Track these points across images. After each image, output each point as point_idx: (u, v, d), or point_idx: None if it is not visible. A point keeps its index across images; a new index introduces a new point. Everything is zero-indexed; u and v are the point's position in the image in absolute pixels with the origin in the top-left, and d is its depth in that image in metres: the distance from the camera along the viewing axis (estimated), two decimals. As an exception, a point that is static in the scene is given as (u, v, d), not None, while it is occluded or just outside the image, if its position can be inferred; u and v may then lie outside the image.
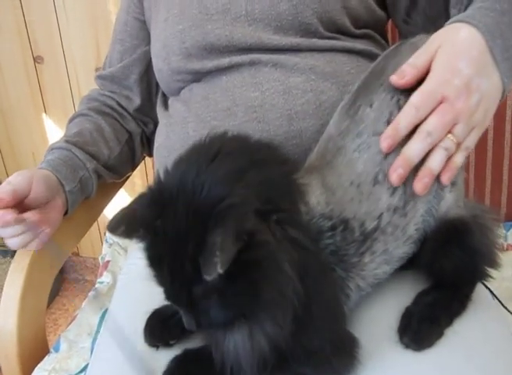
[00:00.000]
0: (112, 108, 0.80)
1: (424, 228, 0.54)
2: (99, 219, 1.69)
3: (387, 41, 0.77)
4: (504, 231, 0.98)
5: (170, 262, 0.42)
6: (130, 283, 0.66)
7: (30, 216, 0.59)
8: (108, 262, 0.86)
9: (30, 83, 1.42)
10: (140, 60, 0.79)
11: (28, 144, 1.50)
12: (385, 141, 0.50)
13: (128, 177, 0.92)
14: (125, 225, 0.43)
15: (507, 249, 0.97)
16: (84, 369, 0.65)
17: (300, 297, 0.44)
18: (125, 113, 0.81)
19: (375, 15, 0.71)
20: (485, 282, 0.61)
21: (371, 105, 0.52)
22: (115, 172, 0.79)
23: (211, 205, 0.41)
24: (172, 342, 0.52)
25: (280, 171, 0.48)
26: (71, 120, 0.79)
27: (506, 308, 0.68)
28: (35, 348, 0.68)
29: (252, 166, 0.45)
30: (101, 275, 0.84)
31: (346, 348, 0.49)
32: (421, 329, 0.52)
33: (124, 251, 0.88)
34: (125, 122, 0.80)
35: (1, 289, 1.57)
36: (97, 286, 0.82)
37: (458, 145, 0.50)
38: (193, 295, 0.42)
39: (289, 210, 0.46)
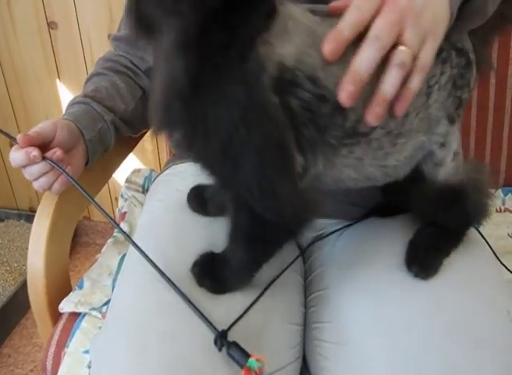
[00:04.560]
0: (126, 66, 0.83)
1: (411, 163, 0.55)
2: (110, 184, 1.74)
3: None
4: (502, 195, 1.02)
5: None
6: (152, 221, 0.70)
7: (54, 151, 0.62)
8: (125, 213, 0.90)
9: (44, 48, 1.44)
10: None
11: (42, 108, 1.54)
12: (328, 45, 0.44)
13: (141, 137, 0.96)
14: None
15: (504, 211, 1.02)
16: (106, 303, 0.70)
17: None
18: (138, 71, 0.84)
19: None
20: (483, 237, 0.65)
21: None
22: (131, 126, 0.83)
23: None
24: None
25: None
26: (88, 80, 0.83)
27: (498, 257, 0.72)
28: (60, 285, 0.73)
29: None
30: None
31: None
32: (427, 258, 0.56)
33: (140, 204, 0.93)
34: (138, 79, 0.84)
35: (17, 248, 1.63)
36: (114, 234, 0.87)
37: (414, 59, 0.45)
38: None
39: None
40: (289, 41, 0.46)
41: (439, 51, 0.50)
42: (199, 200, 0.65)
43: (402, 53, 0.44)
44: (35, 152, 0.61)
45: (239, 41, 0.43)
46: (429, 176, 0.56)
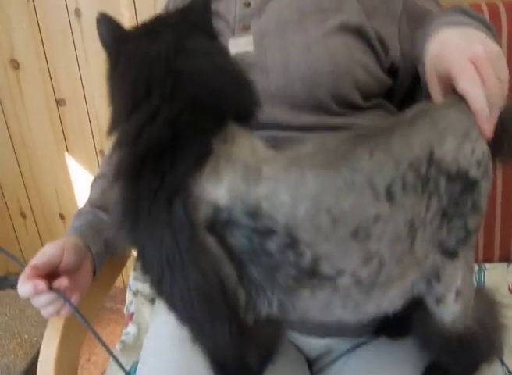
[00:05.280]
0: None
1: (406, 296, 0.50)
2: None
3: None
4: (513, 273, 0.99)
5: None
6: (157, 353, 0.70)
7: (60, 283, 0.63)
8: (133, 313, 0.91)
9: (53, 124, 1.48)
10: None
11: (51, 181, 1.57)
12: (487, 127, 0.48)
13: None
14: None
15: (515, 293, 0.97)
16: None
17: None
18: None
19: (383, 83, 0.73)
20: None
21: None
22: None
23: None
24: None
25: None
26: (94, 181, 0.85)
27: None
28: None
29: None
30: (126, 326, 0.89)
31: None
32: None
33: (148, 302, 0.93)
34: None
35: (27, 318, 1.60)
36: (123, 338, 0.87)
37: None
38: None
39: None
40: (219, 182, 0.44)
41: (424, 183, 0.45)
42: None
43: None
44: (41, 286, 0.62)
45: (166, 186, 0.44)
46: (435, 315, 0.52)
